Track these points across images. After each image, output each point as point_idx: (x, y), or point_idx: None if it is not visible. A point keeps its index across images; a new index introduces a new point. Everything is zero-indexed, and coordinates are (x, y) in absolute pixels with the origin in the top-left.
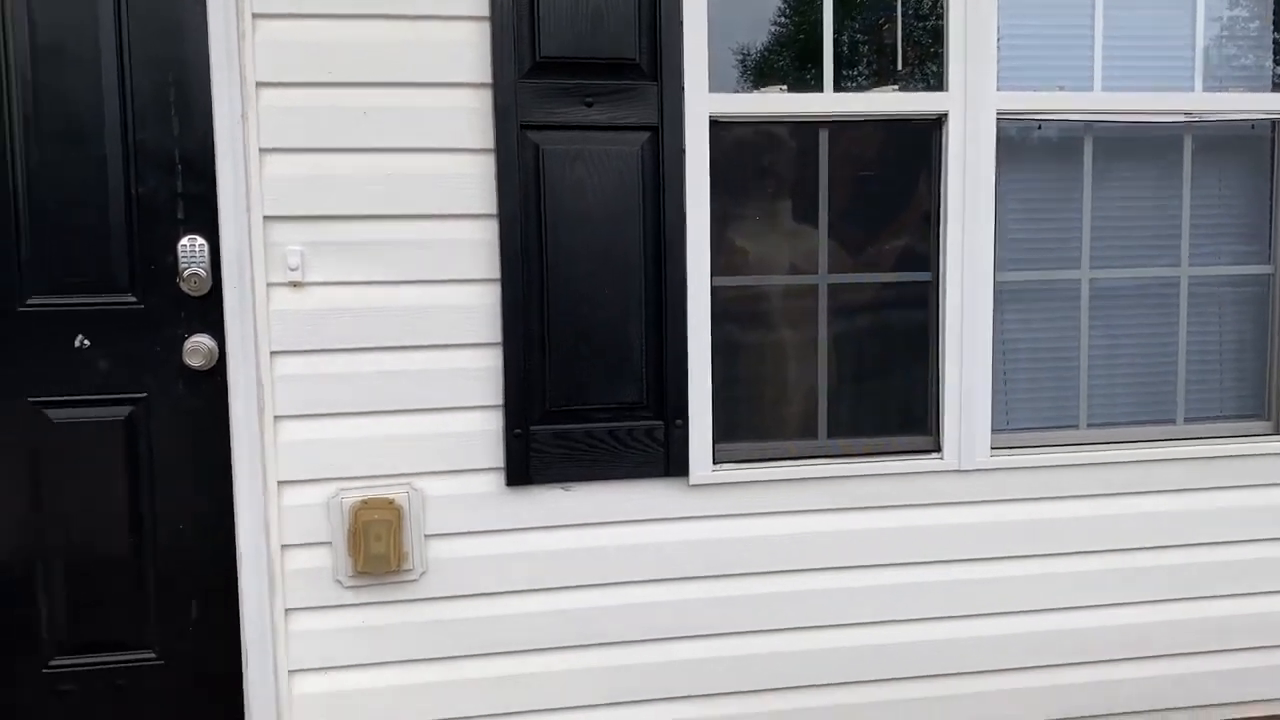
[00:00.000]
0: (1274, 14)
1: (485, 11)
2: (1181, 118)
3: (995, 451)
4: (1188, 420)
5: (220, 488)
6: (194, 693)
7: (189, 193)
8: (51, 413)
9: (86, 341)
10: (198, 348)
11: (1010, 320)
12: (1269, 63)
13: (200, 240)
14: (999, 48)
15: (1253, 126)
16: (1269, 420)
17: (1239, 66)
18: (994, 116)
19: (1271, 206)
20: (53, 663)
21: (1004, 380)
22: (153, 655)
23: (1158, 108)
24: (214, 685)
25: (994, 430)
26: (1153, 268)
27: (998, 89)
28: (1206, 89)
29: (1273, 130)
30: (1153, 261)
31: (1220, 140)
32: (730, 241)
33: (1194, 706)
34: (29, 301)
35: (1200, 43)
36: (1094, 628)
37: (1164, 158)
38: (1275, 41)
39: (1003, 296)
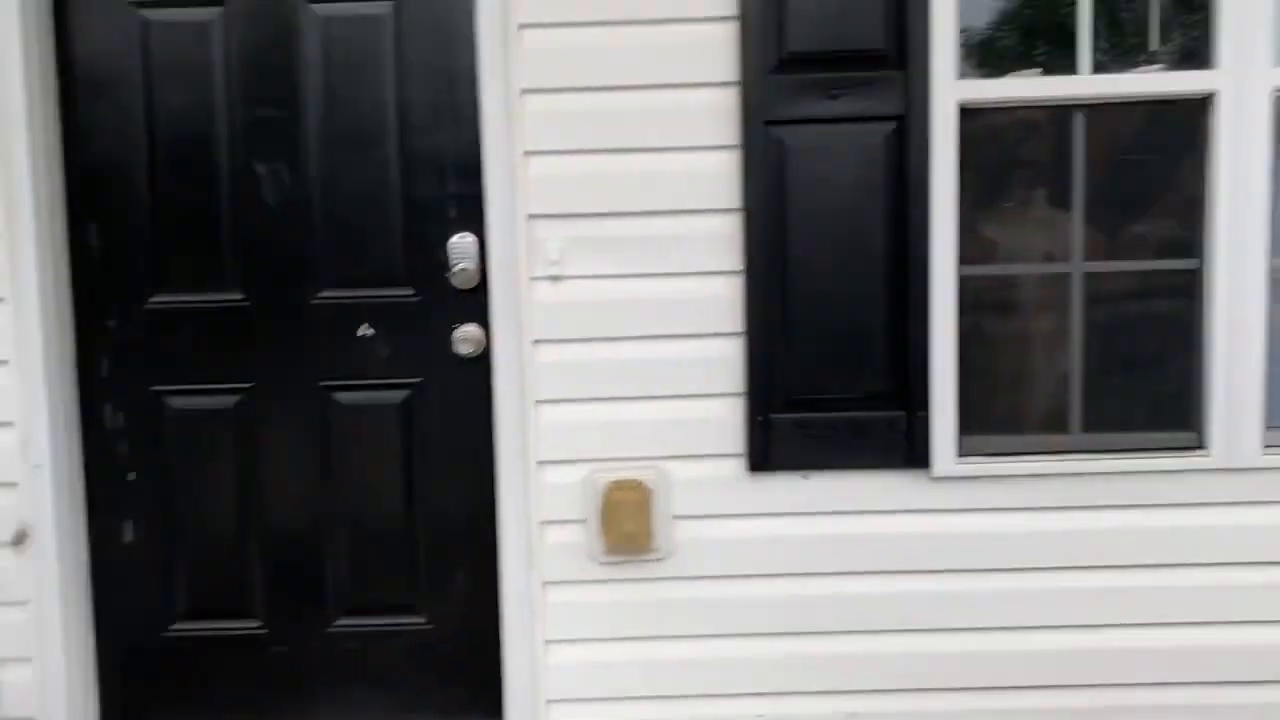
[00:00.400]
0: None
1: (734, 11)
2: None
3: (1269, 450)
4: None
5: (485, 466)
6: (458, 656)
7: (459, 193)
8: (338, 395)
9: (370, 330)
10: (467, 336)
11: None
12: None
13: (470, 237)
14: (1276, 21)
15: None
16: None
17: None
18: (1270, 93)
19: None
20: (337, 623)
21: (1277, 374)
22: (423, 620)
23: None
24: (476, 650)
25: (1267, 428)
26: None
27: (1275, 65)
28: None
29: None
30: None
31: None
32: (978, 230)
33: None
34: (320, 295)
35: None
36: None
37: None
38: None
39: (1277, 285)
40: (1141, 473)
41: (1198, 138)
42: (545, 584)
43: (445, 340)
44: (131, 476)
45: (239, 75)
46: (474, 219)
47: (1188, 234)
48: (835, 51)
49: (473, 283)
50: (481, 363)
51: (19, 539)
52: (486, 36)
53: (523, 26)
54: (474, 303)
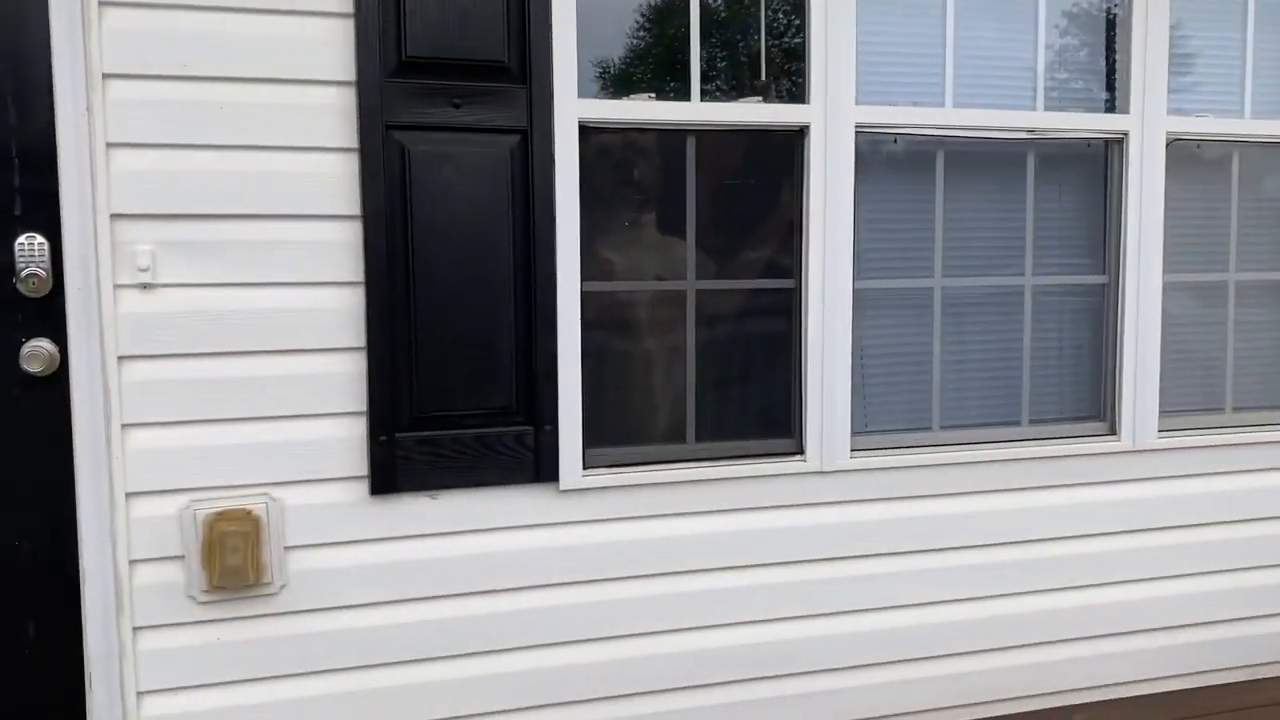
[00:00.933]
0: (1105, 43)
1: (349, 9)
2: (1024, 135)
3: (855, 453)
4: (1032, 422)
5: (62, 500)
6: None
7: (27, 188)
8: None
9: None
10: (36, 352)
11: (867, 326)
12: (1099, 87)
13: (40, 239)
14: (858, 65)
15: (1089, 145)
16: (1104, 421)
17: (1074, 90)
18: (853, 128)
19: (1105, 220)
20: None
21: (863, 384)
22: None
23: (1003, 124)
24: (55, 711)
25: (854, 433)
26: (999, 277)
27: (856, 103)
28: (1047, 109)
29: (1105, 149)
30: (1000, 271)
31: (1060, 157)
32: (600, 247)
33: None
34: None
35: (1041, 66)
36: (949, 621)
37: (1009, 172)
38: (1104, 68)
39: (861, 303)
40: (748, 478)
41: (795, 166)
42: (137, 629)
43: (12, 356)
44: None
45: None
46: (46, 217)
47: (787, 255)
48: (456, 60)
49: (44, 290)
50: (56, 382)
51: None
52: (60, 13)
53: (104, 4)
54: (47, 313)
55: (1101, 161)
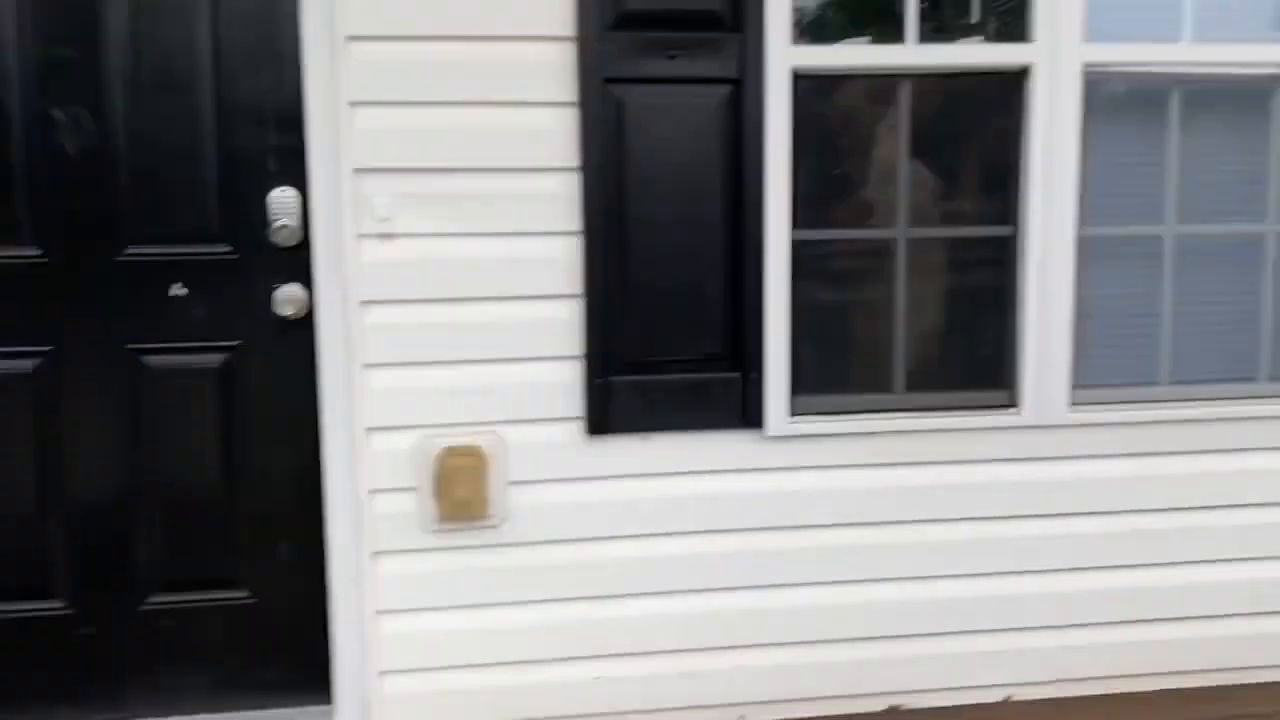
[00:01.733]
0: None
1: None
2: (1274, 69)
3: (1075, 407)
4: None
5: (311, 433)
6: (283, 630)
7: (280, 145)
8: (149, 359)
9: (183, 290)
10: (289, 297)
11: (1092, 277)
12: None
13: (291, 191)
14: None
15: None
16: None
17: None
18: (1079, 69)
19: None
20: (150, 599)
21: (1086, 337)
22: (244, 594)
23: (1248, 59)
24: (303, 624)
25: (1074, 387)
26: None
27: (1084, 40)
28: None
29: None
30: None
31: None
32: (811, 195)
33: None
34: (127, 251)
35: None
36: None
37: (1254, 113)
38: None
39: (1084, 252)
40: (959, 430)
41: (1016, 110)
42: (375, 554)
43: (266, 301)
44: None
45: (31, 12)
46: (296, 172)
47: (1005, 203)
48: (672, 10)
49: (295, 240)
50: (305, 325)
51: None
52: None
53: None
54: (296, 261)
55: None
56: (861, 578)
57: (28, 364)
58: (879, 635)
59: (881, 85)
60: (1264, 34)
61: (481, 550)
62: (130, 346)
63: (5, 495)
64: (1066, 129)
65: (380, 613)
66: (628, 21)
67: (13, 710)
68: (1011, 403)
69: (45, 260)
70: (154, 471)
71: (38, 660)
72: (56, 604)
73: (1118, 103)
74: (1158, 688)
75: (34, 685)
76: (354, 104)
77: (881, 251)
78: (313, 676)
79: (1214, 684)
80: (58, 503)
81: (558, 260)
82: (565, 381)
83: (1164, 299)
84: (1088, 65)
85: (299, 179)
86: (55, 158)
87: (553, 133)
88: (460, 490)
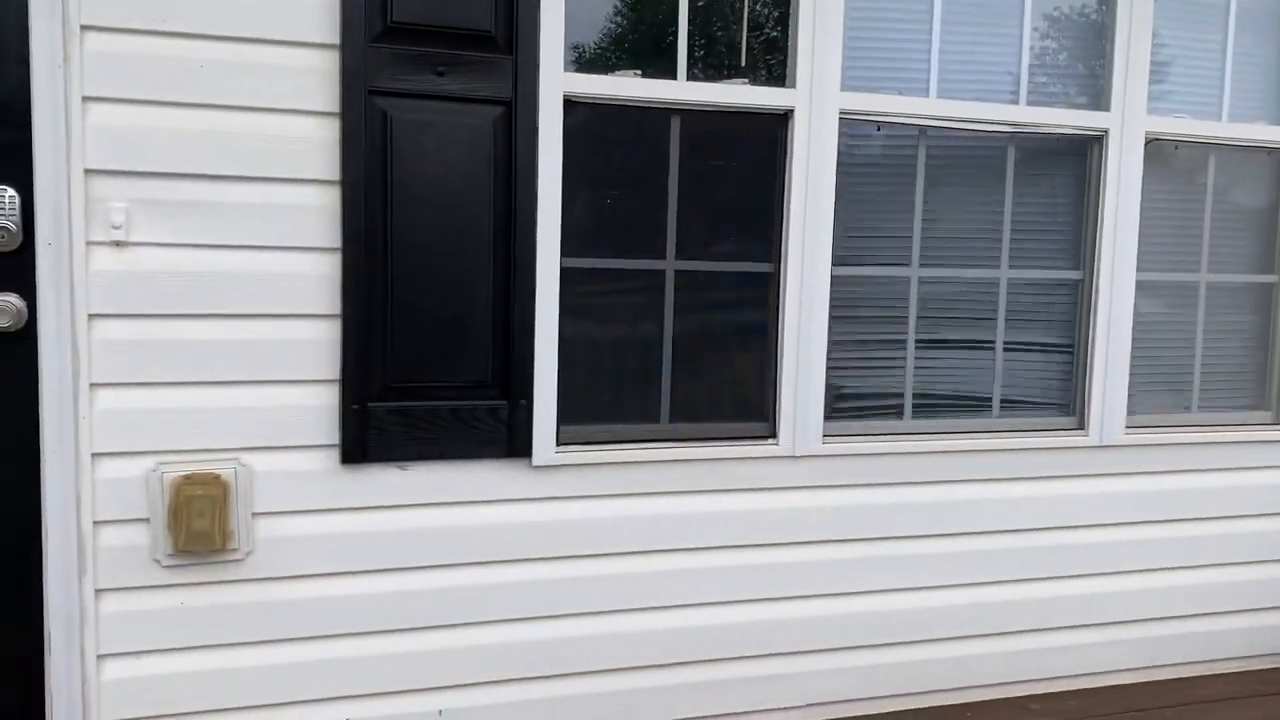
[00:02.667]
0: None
1: None
2: (1007, 128)
3: (827, 439)
4: (1001, 414)
5: (26, 458)
6: None
7: (0, 140)
8: None
9: None
10: (5, 308)
11: (841, 314)
12: (1074, 88)
13: (11, 191)
14: (844, 53)
15: (1069, 141)
16: (1074, 416)
17: (1052, 91)
18: (837, 114)
19: (1083, 217)
20: None
21: (835, 370)
22: None
23: (987, 117)
24: (12, 670)
25: (826, 419)
26: (976, 269)
27: (841, 89)
28: (1030, 104)
29: (1087, 145)
30: (976, 264)
31: (1042, 152)
32: (581, 223)
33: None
34: None
35: (1025, 62)
36: (921, 608)
37: (990, 166)
38: (1081, 70)
39: (836, 289)
40: (720, 460)
41: (778, 151)
42: (99, 591)
43: None
44: None
45: None
46: (17, 170)
47: (766, 239)
48: (442, 27)
49: (14, 245)
50: (24, 338)
51: None
52: None
53: None
54: (15, 267)
55: (1084, 159)
56: (625, 606)
57: None
58: (639, 665)
59: (654, 117)
60: (1002, 95)
61: (222, 586)
62: None
63: None
64: (824, 170)
65: (103, 657)
66: (395, 34)
67: None
68: (771, 434)
69: None
70: None
71: None
72: None
73: (871, 154)
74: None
75: None
76: (87, 99)
77: (650, 282)
78: None
79: (943, 703)
80: None
81: (314, 277)
82: (320, 406)
83: (908, 339)
84: (844, 111)
85: (23, 178)
86: None
87: (314, 143)
88: (198, 522)
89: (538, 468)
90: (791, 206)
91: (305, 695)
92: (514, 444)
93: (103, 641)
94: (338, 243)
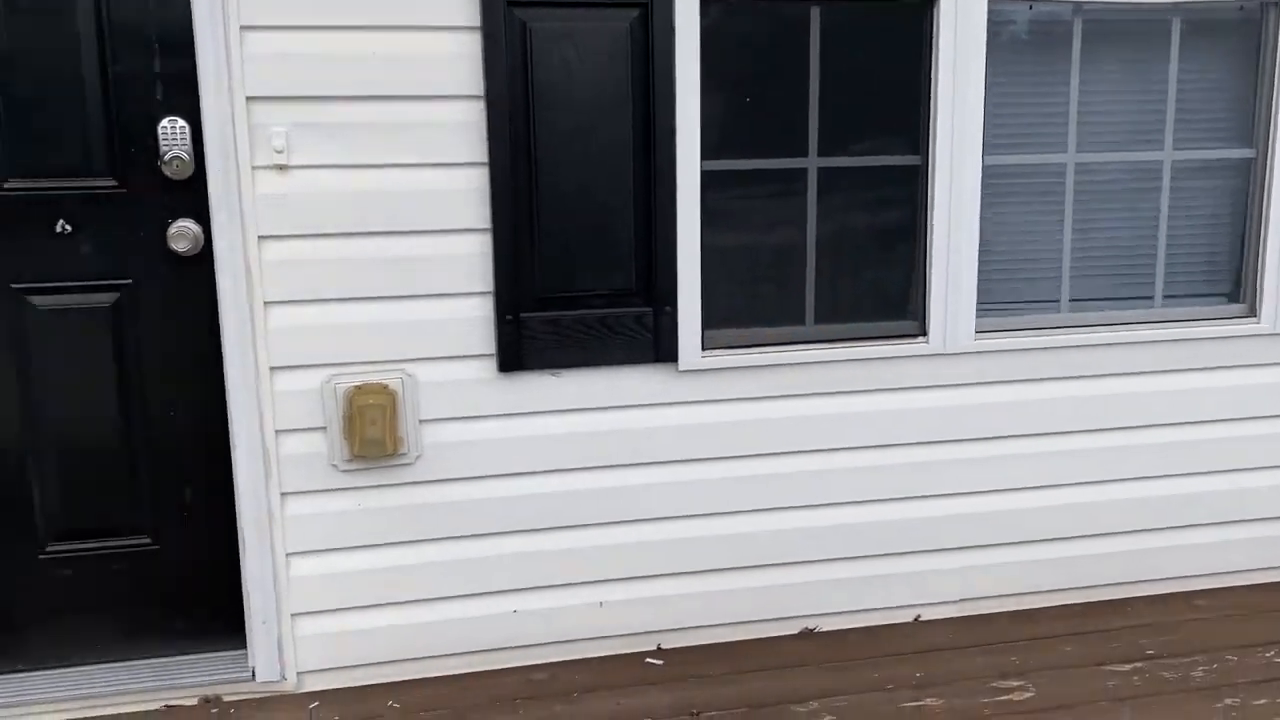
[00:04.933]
0: None
1: None
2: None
3: (980, 335)
4: (1165, 303)
5: (212, 374)
6: (191, 576)
7: (168, 72)
8: (35, 299)
9: (68, 227)
10: (183, 232)
11: (995, 204)
12: None
13: (181, 122)
14: None
15: (1241, 8)
16: (1243, 303)
17: None
18: None
19: (1257, 92)
20: (49, 548)
21: (988, 263)
22: (147, 540)
23: None
24: (212, 568)
25: (978, 314)
26: (1136, 152)
27: None
28: None
29: (1261, 13)
30: (1137, 147)
31: (1209, 24)
32: (721, 124)
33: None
34: (6, 185)
35: None
36: (1081, 503)
37: (1152, 42)
38: None
39: (988, 181)
40: (867, 360)
41: (923, 37)
42: (284, 495)
43: (159, 237)
44: None
45: None
46: (186, 101)
47: (913, 131)
48: None
49: (187, 173)
50: (202, 261)
51: None
52: None
53: None
54: (190, 195)
55: (1257, 27)
56: (774, 505)
57: None
58: (792, 560)
59: (792, 10)
60: None
61: (394, 489)
62: (14, 286)
63: None
64: (973, 57)
65: (291, 554)
66: None
67: None
68: (920, 332)
69: None
70: (47, 416)
71: None
72: None
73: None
74: (1053, 604)
75: None
76: (245, 28)
77: (792, 181)
78: (223, 621)
79: (1105, 599)
80: None
81: (464, 192)
82: (476, 317)
83: (1065, 228)
84: None
85: (190, 108)
86: None
87: (456, 59)
88: (371, 429)
89: (684, 372)
90: (939, 95)
91: (474, 589)
92: (660, 349)
93: (290, 540)
94: (484, 157)
